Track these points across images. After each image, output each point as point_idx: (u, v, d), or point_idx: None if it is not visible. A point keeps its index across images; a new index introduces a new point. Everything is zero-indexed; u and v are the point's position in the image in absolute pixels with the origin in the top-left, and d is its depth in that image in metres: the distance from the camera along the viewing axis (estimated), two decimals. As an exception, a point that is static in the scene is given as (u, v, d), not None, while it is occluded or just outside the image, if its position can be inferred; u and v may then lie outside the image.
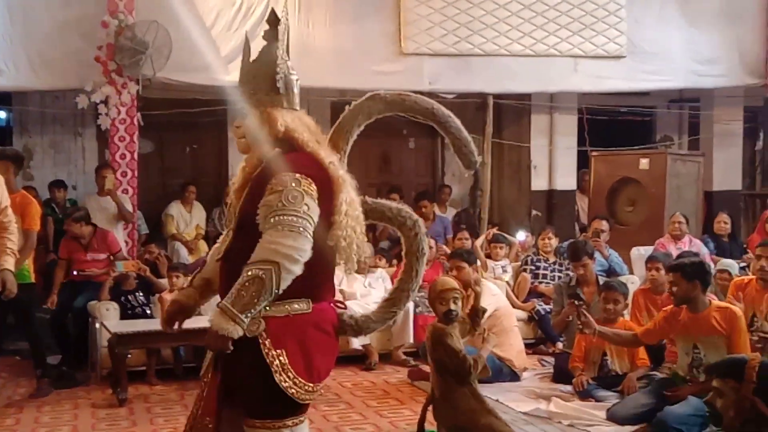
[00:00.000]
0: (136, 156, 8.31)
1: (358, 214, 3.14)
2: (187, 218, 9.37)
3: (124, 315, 6.95)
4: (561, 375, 6.23)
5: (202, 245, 9.21)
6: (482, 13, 9.42)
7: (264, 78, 3.15)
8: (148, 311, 7.12)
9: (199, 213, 9.50)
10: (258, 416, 3.04)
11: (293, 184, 2.94)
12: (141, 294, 7.13)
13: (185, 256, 8.79)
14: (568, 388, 5.96)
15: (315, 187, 2.97)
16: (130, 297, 7.08)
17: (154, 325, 6.65)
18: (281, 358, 2.97)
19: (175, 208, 9.32)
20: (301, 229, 2.90)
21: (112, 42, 7.92)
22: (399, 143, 11.24)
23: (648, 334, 5.48)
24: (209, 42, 8.40)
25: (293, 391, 2.98)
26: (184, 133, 10.29)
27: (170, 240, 9.10)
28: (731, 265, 7.03)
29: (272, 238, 2.87)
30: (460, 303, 4.51)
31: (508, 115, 10.85)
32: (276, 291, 2.87)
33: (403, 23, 9.18)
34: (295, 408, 3.06)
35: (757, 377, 3.52)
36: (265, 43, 3.25)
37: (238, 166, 9.60)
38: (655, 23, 10.15)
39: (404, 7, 9.16)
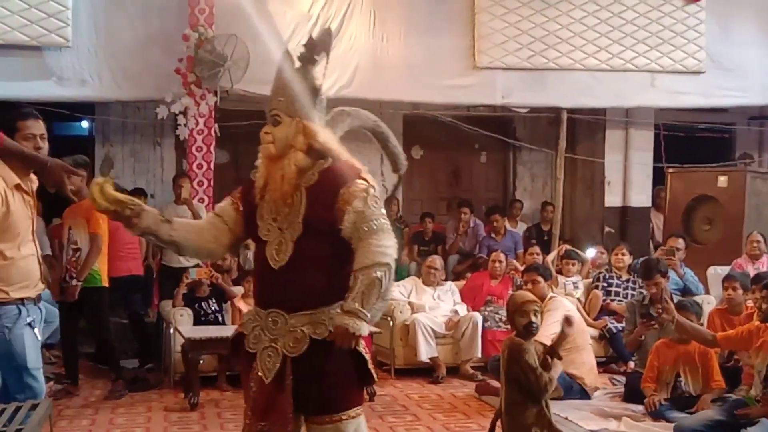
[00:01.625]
0: (212, 166, 8.49)
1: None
2: (259, 227, 9.50)
3: (197, 321, 7.10)
4: (632, 395, 6.12)
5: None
6: (557, 28, 9.36)
7: (304, 91, 3.31)
8: (221, 318, 7.25)
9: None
10: (346, 408, 3.21)
11: (372, 191, 3.15)
12: (214, 301, 7.27)
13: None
14: (640, 408, 5.85)
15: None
16: (203, 304, 7.22)
17: (226, 331, 6.78)
18: (366, 347, 3.25)
19: (248, 218, 9.47)
20: (389, 229, 3.15)
21: (192, 54, 8.11)
22: (470, 157, 11.22)
23: (727, 339, 5.41)
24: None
25: (374, 374, 3.28)
26: (258, 145, 10.44)
27: (243, 248, 9.24)
28: None
29: (378, 242, 3.07)
30: (540, 316, 4.49)
31: (581, 130, 10.74)
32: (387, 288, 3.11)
33: (477, 37, 9.18)
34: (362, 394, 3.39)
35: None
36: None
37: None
38: (735, 38, 9.93)
39: (478, 21, 9.16)
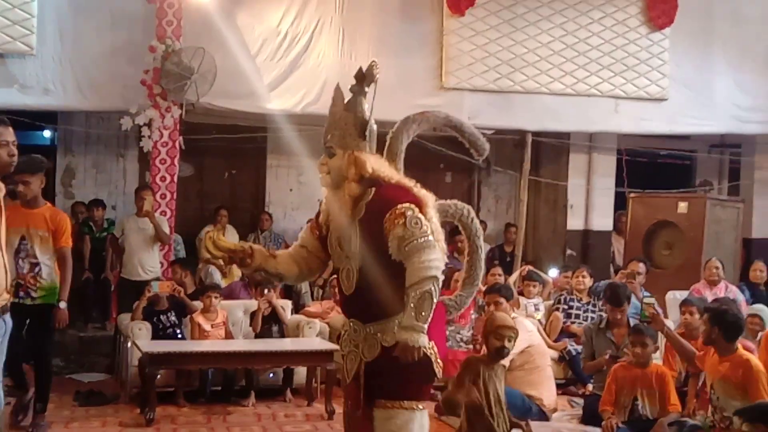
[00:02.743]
0: (175, 179, 8.42)
1: (438, 226, 3.62)
2: (220, 242, 9.44)
3: (156, 335, 7.01)
4: (590, 417, 6.14)
5: (235, 269, 9.25)
6: (524, 51, 9.45)
7: (354, 125, 3.64)
8: (179, 332, 7.17)
9: (232, 237, 9.56)
10: (405, 398, 3.55)
11: (409, 213, 3.44)
12: (173, 314, 7.18)
13: (219, 280, 8.85)
14: (597, 430, 5.87)
15: (418, 209, 3.49)
16: (162, 317, 7.13)
17: (185, 346, 6.72)
18: (434, 348, 3.53)
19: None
20: (433, 243, 3.43)
21: (159, 66, 8.06)
22: (436, 177, 11.24)
23: (700, 359, 5.54)
24: (253, 70, 8.52)
25: (438, 371, 3.59)
26: (223, 159, 10.42)
27: (204, 263, 9.18)
28: (762, 309, 6.92)
29: (421, 258, 3.38)
30: (513, 342, 4.63)
31: (546, 153, 10.84)
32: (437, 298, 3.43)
33: (444, 58, 9.24)
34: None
35: (785, 424, 3.46)
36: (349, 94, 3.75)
37: (275, 193, 9.73)
38: (699, 67, 10.10)
39: (446, 43, 9.22)
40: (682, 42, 9.95)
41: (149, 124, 8.23)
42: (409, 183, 3.62)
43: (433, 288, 3.35)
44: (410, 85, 9.09)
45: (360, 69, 3.67)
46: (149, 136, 8.26)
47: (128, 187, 9.69)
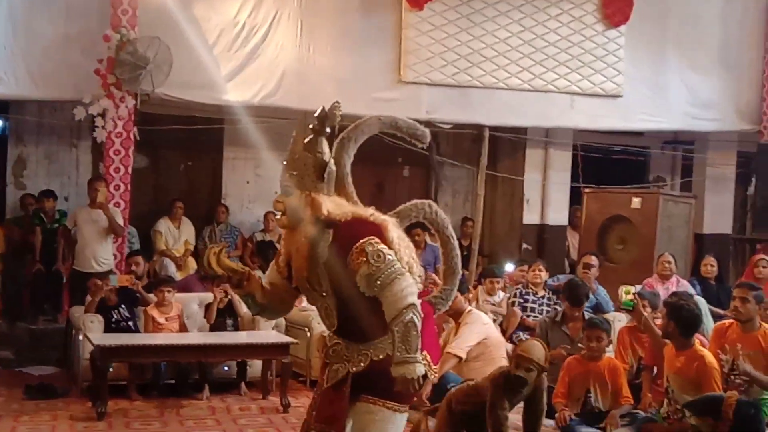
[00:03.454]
0: (130, 170, 8.31)
1: (408, 242, 3.66)
2: (175, 234, 9.38)
3: (108, 328, 6.93)
4: (544, 409, 6.19)
5: (191, 262, 9.20)
6: (482, 46, 9.50)
7: (313, 166, 3.57)
8: (132, 325, 7.09)
9: (187, 229, 9.50)
10: (390, 398, 3.53)
11: (369, 248, 3.42)
12: (124, 308, 7.10)
13: (174, 272, 8.77)
14: (551, 422, 5.91)
15: (379, 240, 3.48)
16: (113, 312, 7.04)
17: (138, 339, 6.65)
18: (427, 357, 3.58)
19: (164, 224, 9.34)
20: (400, 271, 3.43)
21: (113, 56, 7.95)
22: (393, 171, 11.27)
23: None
24: (210, 61, 8.44)
25: (432, 376, 3.66)
26: (179, 150, 10.30)
27: (159, 256, 9.09)
28: (701, 302, 7.02)
29: (393, 291, 3.38)
30: (533, 374, 4.89)
31: (503, 148, 10.90)
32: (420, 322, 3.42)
33: (403, 52, 9.25)
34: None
35: (734, 415, 3.52)
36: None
37: (231, 185, 9.67)
38: (653, 65, 10.25)
39: (405, 37, 9.23)
40: (637, 40, 10.08)
41: (103, 115, 8.11)
42: (365, 213, 3.62)
43: (413, 316, 3.36)
44: (368, 79, 9.09)
45: (322, 109, 3.60)
46: (103, 127, 8.14)
47: (81, 178, 9.54)
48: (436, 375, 3.71)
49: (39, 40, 8.05)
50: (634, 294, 6.11)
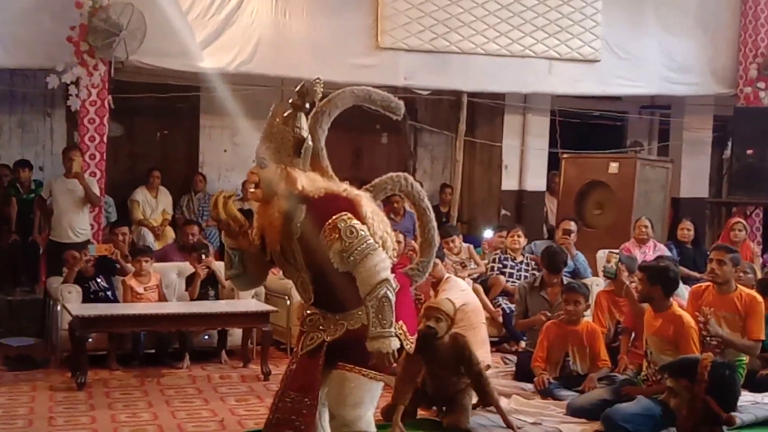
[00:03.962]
0: (105, 139, 8.20)
1: (382, 217, 3.70)
2: (152, 204, 9.32)
3: (87, 299, 6.88)
4: (523, 373, 6.26)
5: (169, 231, 9.15)
6: (459, 11, 9.43)
7: (290, 141, 3.58)
8: (110, 295, 7.05)
9: (165, 198, 9.43)
10: (375, 369, 3.56)
11: (342, 224, 3.45)
12: (101, 278, 7.06)
13: (152, 242, 8.72)
14: (530, 386, 5.99)
15: (352, 215, 3.51)
16: (90, 282, 7.00)
17: (117, 309, 6.62)
18: (403, 328, 3.62)
19: (141, 194, 9.27)
20: (373, 246, 3.47)
21: (86, 23, 7.80)
22: (371, 138, 11.22)
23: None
24: (185, 27, 8.32)
25: (408, 346, 3.66)
26: (155, 118, 10.20)
27: (136, 226, 9.02)
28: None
29: (366, 266, 3.42)
30: (443, 324, 5.12)
31: (481, 114, 10.89)
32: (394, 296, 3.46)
33: (380, 17, 9.16)
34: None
35: (709, 376, 3.57)
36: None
37: (208, 154, 9.57)
38: (630, 29, 10.24)
39: (382, 2, 9.13)
40: (614, 3, 10.06)
41: (77, 83, 7.98)
42: (339, 188, 3.64)
43: (387, 290, 3.40)
44: (345, 45, 9.01)
45: (303, 84, 3.60)
46: (77, 95, 8.01)
47: (56, 147, 9.42)
48: (413, 345, 3.71)
49: (9, 7, 7.88)
50: (616, 262, 6.15)
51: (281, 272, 3.89)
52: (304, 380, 3.62)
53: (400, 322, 3.58)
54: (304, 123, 3.64)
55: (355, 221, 3.48)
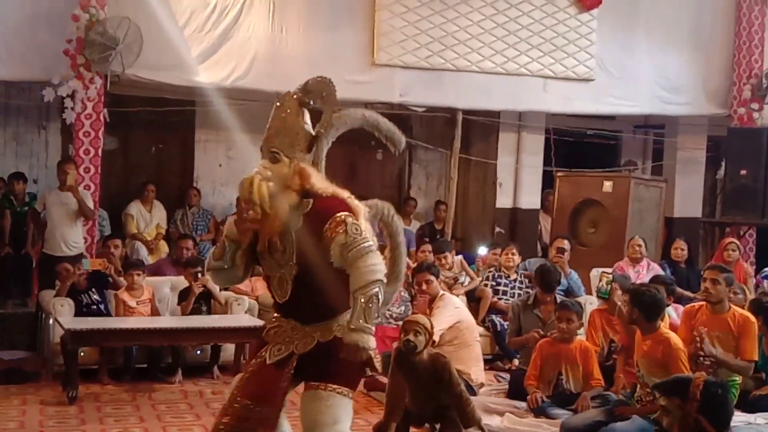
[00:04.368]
0: (100, 152, 8.20)
1: (373, 235, 3.69)
2: (147, 218, 9.30)
3: (79, 312, 6.86)
4: (516, 391, 6.25)
5: (163, 245, 9.12)
6: (455, 29, 9.47)
7: (304, 137, 3.67)
8: (103, 308, 7.03)
9: (159, 212, 9.42)
10: (338, 382, 3.54)
11: (349, 220, 3.51)
12: (94, 291, 7.03)
13: (145, 256, 8.70)
14: (523, 404, 5.98)
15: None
16: (83, 296, 6.98)
17: (108, 323, 6.60)
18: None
19: (135, 208, 9.25)
20: (374, 248, 3.51)
21: (82, 36, 7.82)
22: (366, 154, 11.22)
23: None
24: (181, 41, 8.34)
25: (378, 366, 3.64)
26: (150, 132, 10.20)
27: (130, 239, 9.01)
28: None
29: (366, 263, 3.44)
30: (421, 337, 5.04)
31: (476, 132, 10.91)
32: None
33: (376, 34, 9.20)
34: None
35: (701, 395, 3.57)
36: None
37: (203, 168, 9.54)
38: (624, 49, 10.30)
39: (378, 19, 9.18)
40: (608, 23, 10.12)
41: (72, 96, 7.98)
42: (344, 194, 3.68)
43: (379, 291, 3.43)
44: (341, 61, 9.02)
45: (308, 81, 3.70)
46: (72, 108, 8.01)
47: (50, 160, 9.41)
48: (380, 363, 3.67)
49: (6, 19, 7.90)
50: (611, 283, 6.15)
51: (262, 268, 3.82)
52: (261, 390, 3.55)
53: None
54: (308, 119, 3.69)
55: (360, 221, 3.55)
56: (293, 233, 3.55)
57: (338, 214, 3.51)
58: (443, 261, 8.16)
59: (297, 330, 3.60)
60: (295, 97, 3.65)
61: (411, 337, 5.04)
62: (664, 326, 5.51)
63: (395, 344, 6.49)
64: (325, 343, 3.56)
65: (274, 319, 3.72)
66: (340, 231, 3.47)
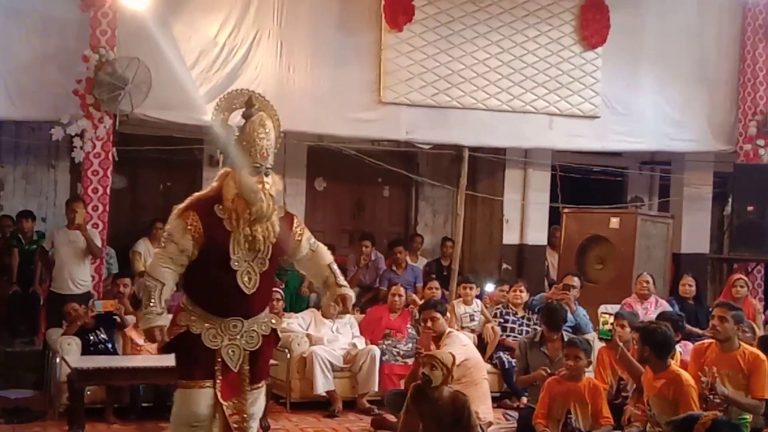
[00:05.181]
0: (108, 191, 8.25)
1: None
2: (154, 255, 9.29)
3: (86, 351, 6.85)
4: (525, 430, 6.19)
5: (171, 283, 9.11)
6: (461, 67, 9.55)
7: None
8: (110, 347, 7.01)
9: (167, 250, 9.40)
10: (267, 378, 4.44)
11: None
12: (102, 330, 7.02)
13: (153, 294, 8.67)
14: (532, 443, 5.92)
15: None
16: (90, 335, 6.97)
17: (115, 361, 6.58)
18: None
19: (143, 246, 9.25)
20: None
21: (92, 76, 7.90)
22: (373, 190, 11.28)
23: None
24: (189, 81, 8.42)
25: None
26: (158, 170, 10.25)
27: (138, 277, 9.00)
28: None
29: (323, 247, 4.48)
30: (438, 372, 5.11)
31: (482, 169, 10.95)
32: None
33: (382, 73, 9.27)
34: None
35: (705, 434, 3.52)
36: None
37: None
38: (629, 85, 10.34)
39: (384, 57, 9.26)
40: (613, 60, 10.17)
41: (81, 135, 8.05)
42: None
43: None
44: (348, 99, 9.11)
45: (250, 98, 4.25)
46: (81, 147, 8.08)
47: (59, 198, 9.46)
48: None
49: (16, 59, 8.00)
50: (612, 324, 6.09)
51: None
52: (233, 391, 4.13)
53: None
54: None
55: None
56: (273, 233, 4.09)
57: (295, 216, 4.35)
58: (467, 291, 8.21)
59: (239, 326, 4.12)
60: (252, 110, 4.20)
61: (426, 370, 5.06)
62: (674, 363, 5.48)
63: (402, 381, 6.50)
64: (266, 336, 4.19)
65: (199, 323, 4.10)
66: (305, 228, 4.35)
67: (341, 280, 4.36)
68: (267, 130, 4.10)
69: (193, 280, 4.12)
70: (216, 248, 4.02)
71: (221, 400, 4.07)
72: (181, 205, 4.20)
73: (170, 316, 4.10)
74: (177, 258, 4.05)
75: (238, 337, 4.10)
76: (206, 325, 4.07)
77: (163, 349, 4.26)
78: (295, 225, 4.26)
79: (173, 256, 4.06)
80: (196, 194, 4.32)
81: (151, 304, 4.00)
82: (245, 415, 4.14)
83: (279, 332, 4.38)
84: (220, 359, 4.07)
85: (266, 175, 4.02)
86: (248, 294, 4.07)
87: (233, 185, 4.05)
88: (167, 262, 4.06)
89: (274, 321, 4.28)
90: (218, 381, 4.07)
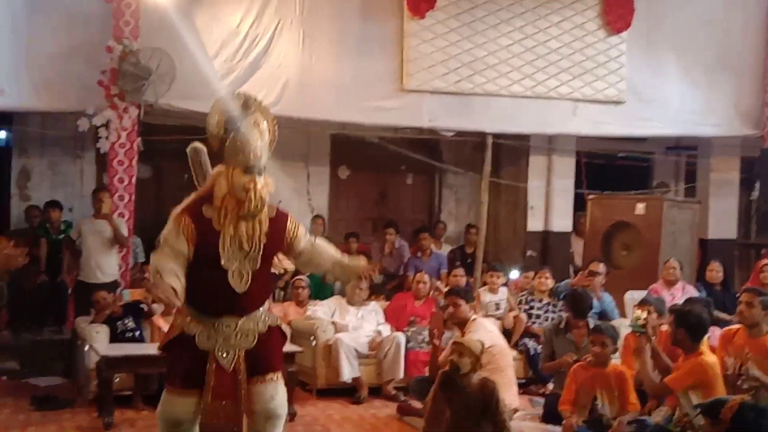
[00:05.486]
0: (134, 180, 8.32)
1: None
2: (180, 244, 9.35)
3: (114, 339, 6.91)
4: (551, 416, 6.18)
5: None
6: (484, 54, 9.51)
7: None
8: (138, 335, 7.08)
9: (189, 240, 9.46)
10: (278, 369, 4.26)
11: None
12: (130, 318, 7.08)
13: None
14: (558, 429, 5.92)
15: None
16: (118, 323, 7.03)
17: (143, 349, 6.64)
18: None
19: (170, 234, 9.30)
20: None
21: (116, 67, 7.96)
22: (397, 178, 11.28)
23: (677, 381, 5.50)
24: (212, 71, 8.45)
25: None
26: (182, 160, 10.18)
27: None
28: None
29: (322, 240, 4.47)
30: (465, 359, 5.12)
31: (506, 155, 10.91)
32: None
33: (405, 61, 9.25)
34: None
35: (734, 419, 3.51)
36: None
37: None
38: (654, 70, 10.25)
39: (407, 45, 9.24)
40: (638, 45, 10.09)
41: (106, 126, 8.12)
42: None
43: None
44: (370, 87, 9.11)
45: (246, 100, 4.26)
46: (106, 138, 8.15)
47: (85, 189, 9.55)
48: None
49: (42, 51, 8.07)
50: (645, 319, 6.02)
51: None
52: (228, 391, 4.08)
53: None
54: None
55: None
56: (261, 232, 4.08)
57: (289, 215, 4.31)
58: (494, 279, 8.20)
59: (232, 325, 4.08)
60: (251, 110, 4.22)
61: (455, 357, 5.08)
62: (704, 348, 5.45)
63: (426, 368, 6.51)
64: (263, 334, 4.12)
65: (194, 324, 4.08)
66: (299, 224, 4.31)
67: (351, 261, 4.45)
68: (261, 131, 4.11)
69: (187, 281, 4.08)
70: (207, 248, 4.04)
71: (209, 401, 4.05)
72: (177, 209, 4.31)
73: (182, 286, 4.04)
74: (175, 258, 4.11)
75: (233, 336, 4.08)
76: (200, 326, 4.08)
77: (161, 351, 4.35)
78: (289, 223, 4.25)
79: (171, 257, 4.13)
80: (192, 195, 4.42)
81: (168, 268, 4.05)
82: (238, 420, 4.11)
83: (282, 328, 4.36)
84: (214, 360, 4.06)
85: (259, 175, 4.03)
86: (240, 293, 4.06)
87: (225, 184, 4.07)
88: (169, 258, 4.15)
89: (272, 318, 4.24)
90: (211, 383, 4.05)
